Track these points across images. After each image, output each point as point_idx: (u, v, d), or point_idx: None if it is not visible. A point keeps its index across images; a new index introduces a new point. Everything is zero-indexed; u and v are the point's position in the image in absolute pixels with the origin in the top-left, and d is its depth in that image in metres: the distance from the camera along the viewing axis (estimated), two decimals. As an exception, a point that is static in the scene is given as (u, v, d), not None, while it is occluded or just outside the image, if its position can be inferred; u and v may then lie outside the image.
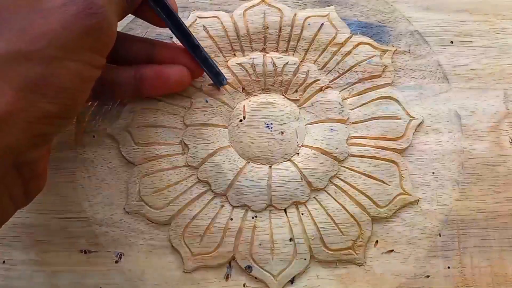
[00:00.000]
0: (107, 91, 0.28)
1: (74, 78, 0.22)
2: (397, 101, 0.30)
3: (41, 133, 0.22)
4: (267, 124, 0.30)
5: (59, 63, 0.21)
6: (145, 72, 0.28)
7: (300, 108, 0.31)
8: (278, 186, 0.29)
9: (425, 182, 0.30)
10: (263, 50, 0.31)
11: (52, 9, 0.21)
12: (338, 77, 0.31)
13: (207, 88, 0.30)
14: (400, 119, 0.30)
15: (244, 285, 0.28)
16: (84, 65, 0.22)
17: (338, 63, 0.31)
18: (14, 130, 0.20)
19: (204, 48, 0.29)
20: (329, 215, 0.29)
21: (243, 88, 0.31)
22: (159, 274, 0.28)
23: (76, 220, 0.29)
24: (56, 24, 0.21)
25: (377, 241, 0.29)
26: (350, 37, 0.31)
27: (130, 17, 0.32)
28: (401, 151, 0.30)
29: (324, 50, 0.31)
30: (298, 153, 0.30)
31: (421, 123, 0.30)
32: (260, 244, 0.28)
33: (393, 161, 0.30)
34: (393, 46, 0.32)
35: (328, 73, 0.31)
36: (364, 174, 0.29)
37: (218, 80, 0.30)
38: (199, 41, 0.28)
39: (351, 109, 0.31)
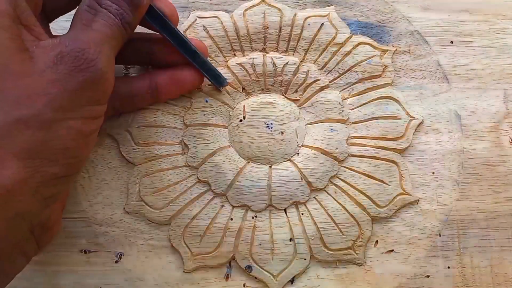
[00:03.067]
0: (127, 104, 0.28)
1: (76, 136, 0.21)
2: (397, 101, 0.30)
3: (50, 195, 0.22)
4: (267, 124, 0.30)
5: (59, 125, 0.21)
6: (159, 79, 0.28)
7: (300, 108, 0.31)
8: (278, 186, 0.29)
9: (425, 182, 0.30)
10: (263, 50, 0.31)
11: (43, 71, 0.21)
12: (338, 77, 0.31)
13: (207, 88, 0.30)
14: (400, 119, 0.30)
15: (244, 285, 0.28)
16: (85, 120, 0.22)
17: (338, 63, 0.31)
18: (23, 198, 0.20)
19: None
20: (329, 215, 0.29)
21: (243, 88, 0.31)
22: (159, 274, 0.28)
23: (76, 220, 0.29)
24: (49, 86, 0.20)
25: (377, 241, 0.29)
26: (350, 37, 0.31)
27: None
28: (401, 151, 0.30)
29: (324, 50, 0.31)
30: (298, 153, 0.30)
31: (421, 123, 0.30)
32: (260, 244, 0.28)
33: (393, 161, 0.30)
34: (393, 46, 0.32)
35: (328, 73, 0.31)
36: (364, 174, 0.29)
37: (218, 82, 0.30)
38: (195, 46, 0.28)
39: (351, 109, 0.31)
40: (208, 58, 0.31)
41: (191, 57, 0.28)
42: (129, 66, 0.31)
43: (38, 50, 0.21)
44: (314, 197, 0.29)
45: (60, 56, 0.21)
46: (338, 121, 0.30)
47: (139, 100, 0.29)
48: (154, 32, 0.28)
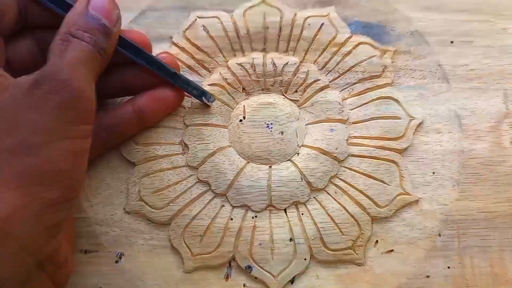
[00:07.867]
0: (114, 134, 0.28)
1: (67, 156, 0.21)
2: (397, 101, 0.30)
3: (52, 223, 0.21)
4: (267, 124, 0.30)
5: (48, 147, 0.21)
6: (140, 101, 0.28)
7: (300, 108, 0.31)
8: (278, 186, 0.29)
9: (425, 182, 0.30)
10: (263, 50, 0.31)
11: (19, 99, 0.21)
12: (338, 77, 0.31)
13: (207, 88, 0.30)
14: (400, 119, 0.30)
15: (244, 285, 0.28)
16: (73, 140, 0.22)
17: (338, 63, 0.31)
18: (24, 229, 0.19)
19: (205, 48, 0.28)
20: (329, 215, 0.29)
21: (243, 88, 0.31)
22: (159, 274, 0.28)
23: (76, 220, 0.29)
24: (28, 112, 0.21)
25: (377, 241, 0.29)
26: (350, 37, 0.31)
27: (128, 18, 0.32)
28: (401, 151, 0.30)
29: (324, 50, 0.31)
30: (298, 153, 0.30)
31: (421, 123, 0.30)
32: (260, 244, 0.28)
33: (393, 161, 0.30)
34: (393, 46, 0.32)
35: (328, 73, 0.31)
36: (364, 174, 0.29)
37: (206, 98, 0.29)
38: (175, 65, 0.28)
39: (351, 109, 0.31)
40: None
41: (172, 79, 0.28)
42: None
43: (11, 83, 0.21)
44: (314, 197, 0.29)
45: (35, 83, 0.21)
46: (338, 121, 0.30)
47: (126, 127, 0.28)
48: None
